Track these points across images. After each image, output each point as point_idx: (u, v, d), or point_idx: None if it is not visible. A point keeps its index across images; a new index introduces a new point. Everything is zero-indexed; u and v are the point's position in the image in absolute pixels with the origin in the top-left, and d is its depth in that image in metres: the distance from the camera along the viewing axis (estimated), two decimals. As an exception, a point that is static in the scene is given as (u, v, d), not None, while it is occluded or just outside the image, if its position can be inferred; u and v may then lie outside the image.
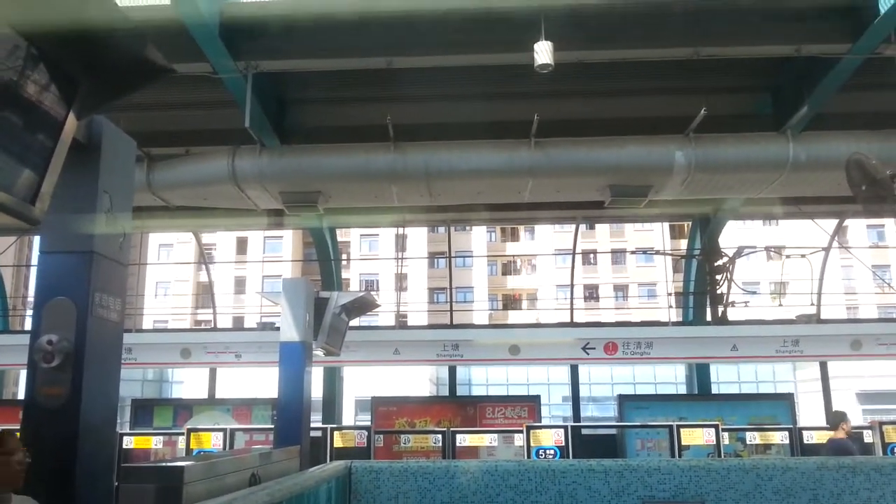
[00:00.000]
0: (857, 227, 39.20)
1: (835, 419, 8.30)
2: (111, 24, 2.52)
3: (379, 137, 8.67)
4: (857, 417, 26.10)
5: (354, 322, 9.62)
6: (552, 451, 9.29)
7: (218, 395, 12.82)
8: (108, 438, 3.03)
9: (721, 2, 7.64)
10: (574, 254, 13.42)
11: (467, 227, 42.57)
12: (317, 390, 9.37)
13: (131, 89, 2.90)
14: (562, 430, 9.36)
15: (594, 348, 10.88)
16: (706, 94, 8.93)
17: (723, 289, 11.94)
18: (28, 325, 23.96)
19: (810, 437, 9.52)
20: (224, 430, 9.42)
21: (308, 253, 41.84)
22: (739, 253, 11.53)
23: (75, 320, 2.84)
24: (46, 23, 2.36)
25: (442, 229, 45.35)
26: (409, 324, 36.95)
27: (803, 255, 11.66)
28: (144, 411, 11.94)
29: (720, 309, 12.03)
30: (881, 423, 9.56)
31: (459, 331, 11.93)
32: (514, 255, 49.94)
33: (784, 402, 11.63)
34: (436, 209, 11.01)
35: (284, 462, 5.83)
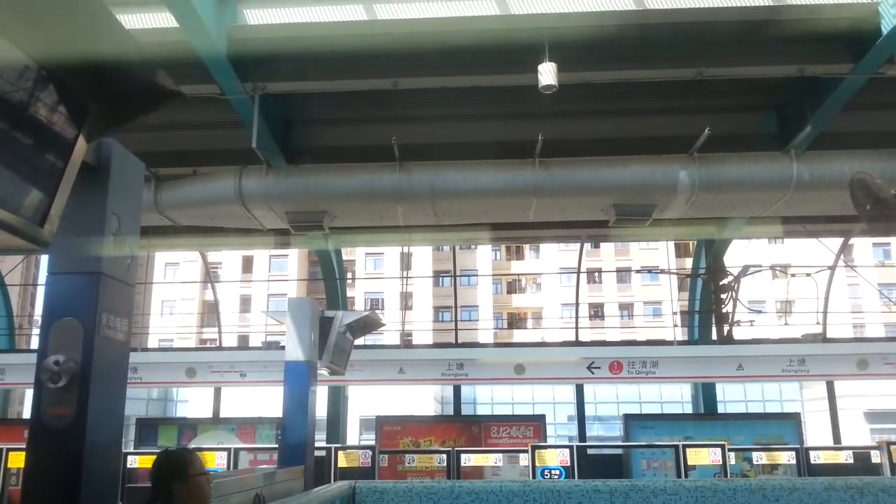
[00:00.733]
0: (863, 246, 39.14)
1: None
2: (123, 51, 2.57)
3: (385, 157, 8.73)
4: (864, 437, 25.91)
5: (360, 341, 9.63)
6: (557, 472, 9.25)
7: (222, 415, 12.81)
8: (113, 458, 3.04)
9: (724, 23, 7.69)
10: (579, 272, 13.42)
11: (472, 246, 42.64)
12: (321, 409, 9.36)
13: (142, 113, 2.94)
14: (567, 451, 9.33)
15: (599, 367, 10.85)
16: (710, 113, 8.98)
17: (728, 308, 11.93)
18: (34, 344, 24.05)
19: (817, 458, 9.46)
20: (228, 449, 9.42)
21: (313, 272, 41.95)
22: (744, 272, 11.52)
23: (82, 341, 2.86)
24: (58, 48, 2.41)
25: (447, 248, 45.40)
26: (415, 342, 36.97)
27: (808, 274, 11.64)
28: (149, 430, 11.92)
29: (725, 328, 12.01)
30: (889, 443, 9.50)
31: (464, 350, 11.93)
32: (518, 274, 49.91)
33: (791, 422, 11.56)
34: (441, 228, 11.05)
35: (288, 482, 5.82)
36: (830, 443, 11.62)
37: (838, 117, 8.65)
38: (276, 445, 10.66)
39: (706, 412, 12.24)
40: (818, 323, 12.24)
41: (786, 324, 11.78)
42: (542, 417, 11.88)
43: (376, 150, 8.88)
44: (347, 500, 6.13)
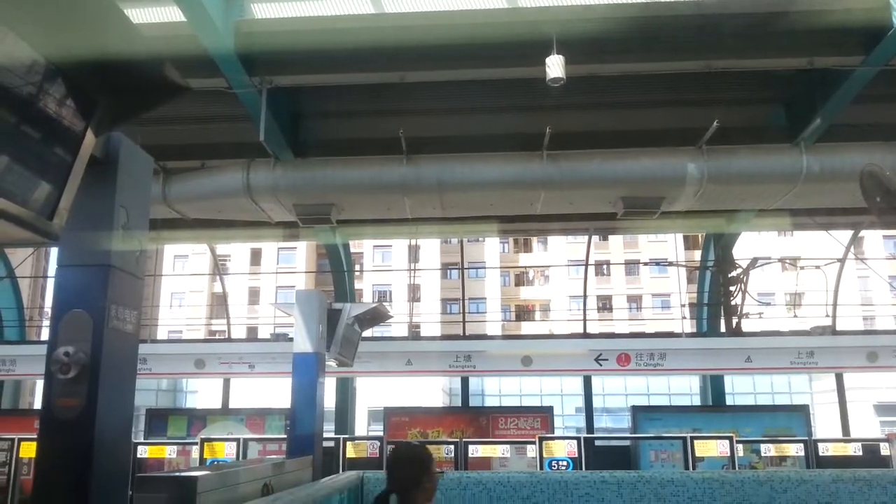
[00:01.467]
0: (874, 239, 38.89)
1: None
2: (130, 46, 2.59)
3: (392, 150, 8.73)
4: (874, 429, 25.86)
5: (367, 333, 9.66)
6: (565, 463, 9.27)
7: (232, 406, 12.89)
8: (123, 449, 3.07)
9: (732, 15, 7.64)
10: (587, 265, 13.41)
11: (480, 239, 42.59)
12: (330, 401, 9.40)
13: (150, 107, 2.96)
14: (575, 442, 9.34)
15: (607, 359, 10.85)
16: (720, 106, 8.93)
17: (737, 300, 11.90)
18: (45, 336, 24.26)
19: (826, 450, 9.44)
20: (237, 440, 9.48)
21: (321, 264, 42.01)
22: (753, 264, 11.48)
23: (91, 332, 2.89)
24: (65, 43, 2.43)
25: (455, 240, 45.43)
26: (423, 334, 37.03)
27: (818, 267, 11.59)
28: (159, 421, 12.02)
29: (734, 320, 11.98)
30: (897, 437, 9.49)
31: (472, 342, 11.95)
32: (526, 266, 49.89)
33: (799, 414, 11.55)
34: (448, 221, 11.06)
35: (297, 472, 5.86)
36: (840, 435, 11.61)
37: (849, 109, 8.58)
38: (285, 436, 10.75)
39: (714, 404, 12.24)
40: (827, 315, 12.19)
41: (795, 316, 11.71)
42: (549, 409, 11.91)
43: (384, 143, 8.88)
44: (355, 490, 6.17)
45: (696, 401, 13.88)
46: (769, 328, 13.45)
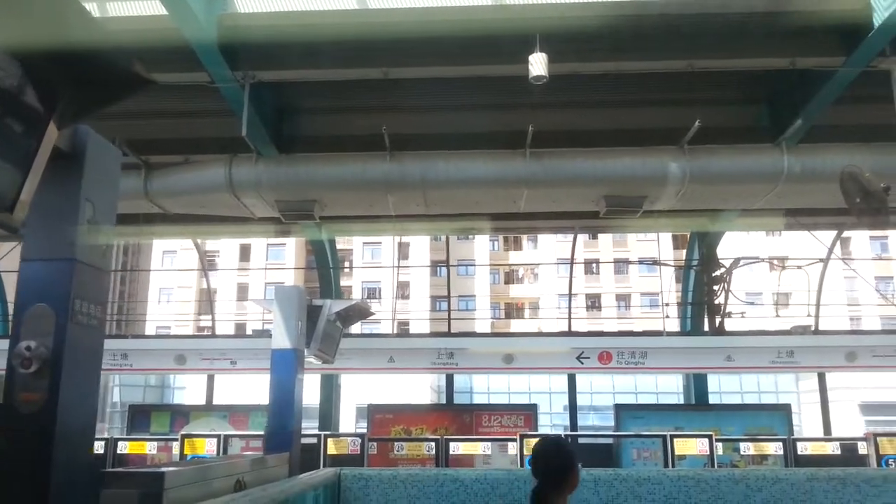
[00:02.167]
0: (861, 239, 39.15)
1: None
2: (90, 38, 2.58)
3: (377, 147, 8.71)
4: (859, 429, 26.02)
5: (355, 329, 9.66)
6: (545, 461, 9.25)
7: (216, 402, 12.86)
8: (85, 444, 3.06)
9: (715, 15, 7.66)
10: (572, 263, 13.44)
11: (470, 237, 42.62)
12: (310, 397, 9.39)
13: (114, 100, 2.95)
14: (555, 440, 9.34)
15: (588, 357, 10.88)
16: (703, 105, 8.97)
17: (720, 299, 11.96)
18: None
19: (805, 449, 9.51)
20: (218, 436, 9.46)
21: (310, 260, 41.90)
22: (736, 264, 11.53)
23: (54, 327, 2.88)
24: (25, 34, 2.41)
25: (444, 237, 45.38)
26: (412, 331, 36.98)
27: (800, 267, 11.66)
28: (141, 417, 11.98)
29: (717, 319, 12.04)
30: (875, 435, 9.54)
31: (454, 339, 11.96)
32: (513, 264, 49.95)
33: (781, 413, 11.64)
34: (436, 218, 11.05)
35: (273, 469, 5.85)
36: (822, 434, 11.69)
37: (831, 110, 8.63)
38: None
39: (697, 403, 12.30)
40: (809, 315, 12.27)
41: (777, 315, 11.78)
42: (533, 406, 11.94)
43: (368, 140, 8.85)
44: (333, 487, 6.16)
45: (681, 399, 13.94)
46: (756, 327, 13.52)
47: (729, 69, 8.30)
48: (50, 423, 2.76)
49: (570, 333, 12.43)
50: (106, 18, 7.74)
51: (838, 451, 9.50)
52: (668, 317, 12.40)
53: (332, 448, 9.41)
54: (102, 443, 9.47)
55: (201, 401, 13.33)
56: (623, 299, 46.70)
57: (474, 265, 46.09)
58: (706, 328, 12.42)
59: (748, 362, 10.95)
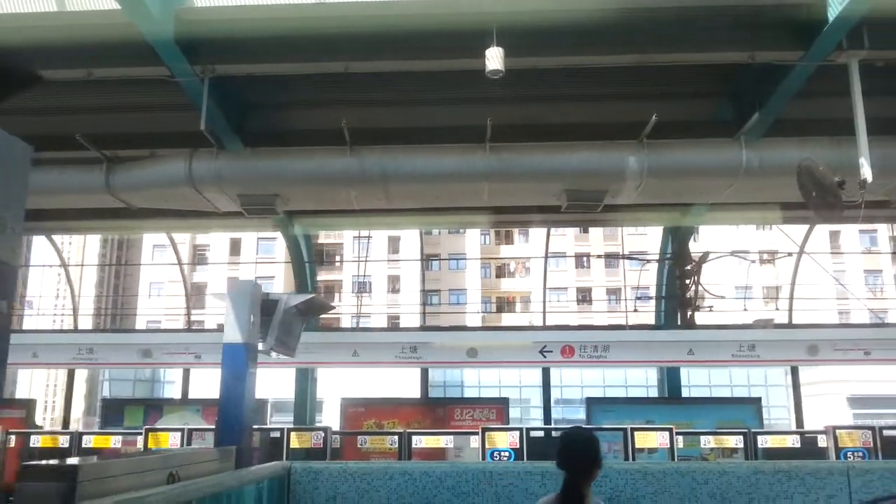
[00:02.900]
0: (850, 233, 39.20)
1: None
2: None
3: (341, 141, 8.72)
4: (847, 421, 26.14)
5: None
6: (507, 454, 9.34)
7: (193, 396, 12.89)
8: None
9: (672, 9, 7.65)
10: (546, 257, 13.48)
11: (461, 230, 42.63)
12: (267, 391, 9.42)
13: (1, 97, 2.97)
14: (517, 433, 9.42)
15: (551, 351, 10.94)
16: (665, 100, 8.97)
17: (691, 293, 11.99)
18: (26, 325, 24.28)
19: (765, 442, 9.56)
20: (182, 430, 9.49)
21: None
22: (705, 258, 11.57)
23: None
24: None
25: (436, 231, 45.45)
26: (402, 325, 37.00)
27: (769, 260, 11.70)
28: (114, 411, 12.02)
29: (688, 313, 12.08)
30: (835, 428, 9.60)
31: (418, 333, 12.01)
32: (497, 258, 49.98)
33: (751, 406, 11.72)
34: (428, 212, 11.04)
35: (214, 462, 5.88)
36: (794, 427, 11.74)
37: (795, 105, 8.64)
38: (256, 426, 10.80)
39: (670, 396, 12.35)
40: (777, 309, 12.33)
41: (745, 309, 11.83)
42: (505, 400, 12.00)
43: (331, 134, 8.84)
44: (280, 481, 6.20)
45: (654, 392, 14.01)
46: (734, 321, 13.56)
47: (687, 63, 8.29)
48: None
49: (532, 328, 12.49)
50: (64, 13, 7.75)
51: (799, 445, 9.56)
52: (635, 310, 12.45)
53: (294, 442, 9.45)
54: (67, 437, 9.52)
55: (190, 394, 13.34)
56: (614, 293, 46.77)
57: (465, 259, 46.14)
58: (679, 322, 12.46)
59: (711, 356, 11.00)
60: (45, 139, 9.31)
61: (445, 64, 8.19)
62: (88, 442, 9.53)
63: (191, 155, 8.64)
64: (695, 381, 22.38)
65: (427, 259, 45.81)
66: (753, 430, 9.67)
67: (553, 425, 11.74)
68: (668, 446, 9.24)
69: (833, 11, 7.39)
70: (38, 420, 12.78)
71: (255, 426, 8.54)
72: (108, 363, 11.90)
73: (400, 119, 9.16)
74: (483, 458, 9.23)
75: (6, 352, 3.32)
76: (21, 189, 3.51)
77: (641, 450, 9.51)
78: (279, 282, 42.94)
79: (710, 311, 11.70)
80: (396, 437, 9.49)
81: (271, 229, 13.74)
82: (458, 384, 32.23)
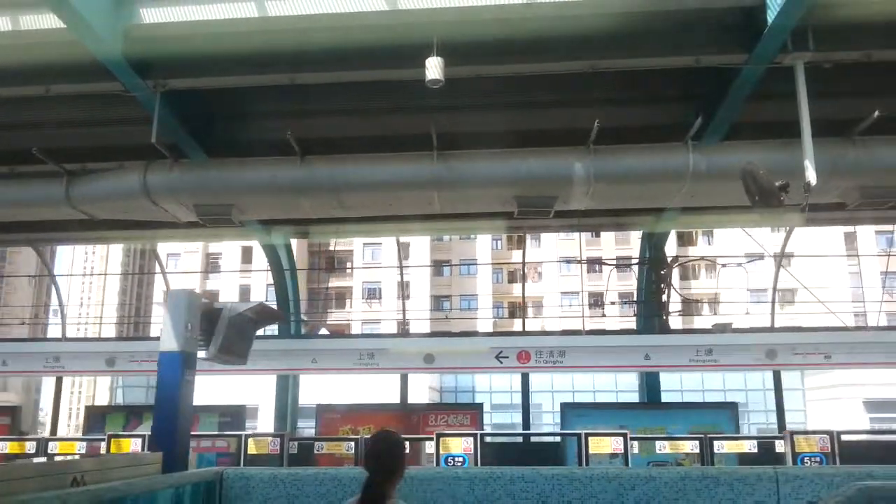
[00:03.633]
0: (867, 234, 38.48)
1: None
2: None
3: (294, 151, 8.86)
4: (864, 425, 25.70)
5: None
6: (461, 459, 9.37)
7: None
8: None
9: (615, 15, 7.65)
10: (524, 264, 13.49)
11: (472, 236, 42.70)
12: (206, 398, 9.48)
13: None
14: (471, 438, 9.45)
15: (507, 357, 10.96)
16: (614, 105, 9.01)
17: (665, 297, 11.96)
18: (50, 333, 24.91)
19: (721, 447, 9.49)
20: (143, 436, 9.66)
21: (313, 262, 42.34)
22: (674, 263, 11.53)
23: None
24: None
25: (446, 237, 45.57)
26: (412, 331, 37.15)
27: (739, 265, 11.64)
28: (97, 418, 12.25)
29: (664, 316, 12.05)
30: (792, 433, 9.50)
31: (373, 340, 12.10)
32: (507, 262, 49.84)
33: (727, 411, 11.66)
34: (429, 219, 11.14)
35: (137, 468, 6.01)
36: (777, 431, 11.63)
37: (753, 108, 8.61)
38: (215, 432, 10.97)
39: (649, 401, 12.30)
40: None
41: (715, 313, 11.75)
42: (479, 406, 12.05)
43: (285, 144, 9.00)
44: (210, 487, 6.32)
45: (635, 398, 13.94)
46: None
47: (632, 69, 8.30)
48: None
49: (487, 333, 12.54)
50: (20, 31, 7.98)
51: (755, 450, 9.46)
52: (604, 315, 12.41)
53: (252, 448, 9.58)
54: (34, 443, 9.75)
55: (198, 401, 13.57)
56: (626, 297, 46.41)
57: (476, 264, 46.17)
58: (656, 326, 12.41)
59: (666, 361, 10.92)
60: (8, 154, 9.61)
61: (393, 73, 8.28)
62: (54, 448, 9.76)
63: (146, 167, 8.83)
64: (687, 386, 22.22)
65: (438, 264, 45.99)
66: (709, 434, 9.59)
67: (528, 431, 11.71)
68: (622, 451, 9.21)
69: (771, 14, 7.37)
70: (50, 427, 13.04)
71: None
72: (74, 371, 12.15)
73: (351, 129, 9.28)
74: (437, 464, 9.28)
75: None
76: None
77: (603, 455, 9.49)
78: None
79: (680, 315, 11.64)
80: (353, 443, 9.57)
81: (253, 238, 13.91)
82: (470, 389, 32.24)
